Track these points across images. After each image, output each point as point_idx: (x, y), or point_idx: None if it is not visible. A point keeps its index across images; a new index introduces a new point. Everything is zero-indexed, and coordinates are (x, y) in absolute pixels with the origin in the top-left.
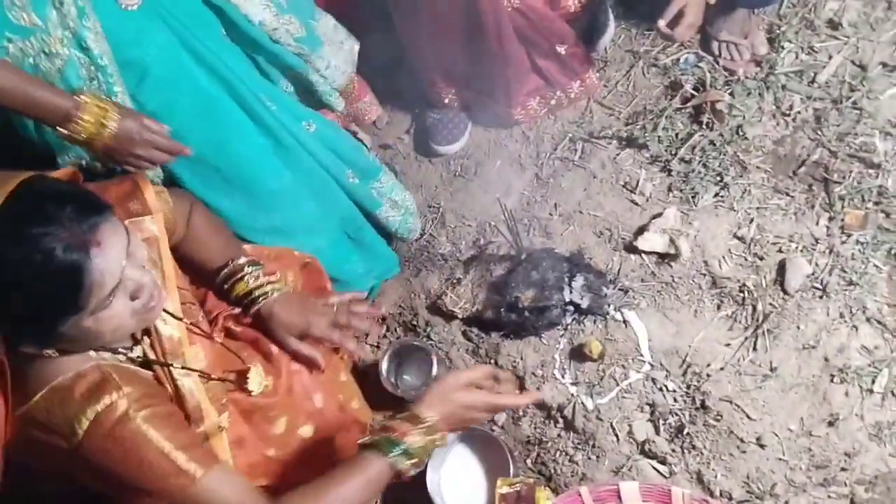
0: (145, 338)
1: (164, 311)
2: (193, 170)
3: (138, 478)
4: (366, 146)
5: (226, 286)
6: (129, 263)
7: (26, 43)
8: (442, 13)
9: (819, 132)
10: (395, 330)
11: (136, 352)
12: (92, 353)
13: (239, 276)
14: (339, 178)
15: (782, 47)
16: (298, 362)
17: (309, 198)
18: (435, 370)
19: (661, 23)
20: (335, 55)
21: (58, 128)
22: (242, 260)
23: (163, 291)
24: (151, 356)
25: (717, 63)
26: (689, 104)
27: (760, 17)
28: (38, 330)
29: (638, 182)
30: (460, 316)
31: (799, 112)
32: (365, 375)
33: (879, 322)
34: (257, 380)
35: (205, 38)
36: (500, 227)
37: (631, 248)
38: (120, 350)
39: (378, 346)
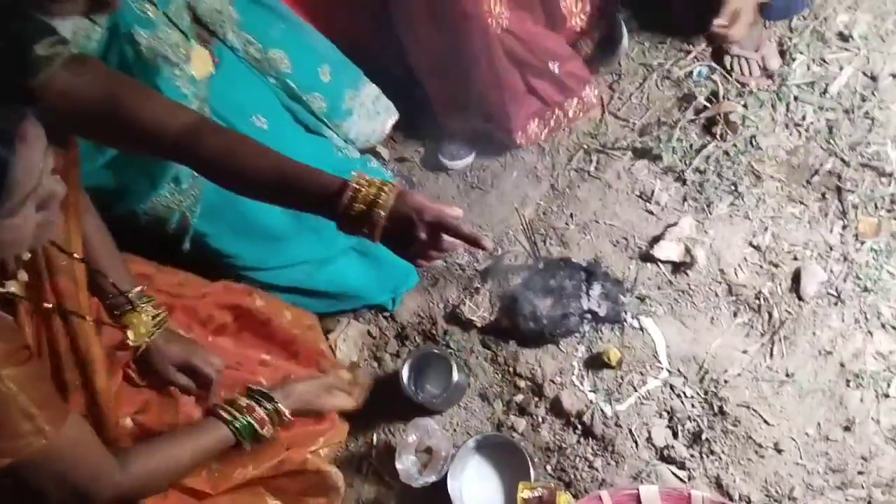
0: (21, 272)
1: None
2: (212, 217)
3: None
4: (383, 159)
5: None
6: (45, 167)
7: (155, 36)
8: (436, 39)
9: (831, 142)
10: (415, 339)
11: (10, 287)
12: None
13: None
14: None
15: (794, 59)
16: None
17: (311, 231)
18: (455, 378)
19: (718, 21)
20: (362, 125)
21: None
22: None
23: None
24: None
25: (730, 76)
26: (702, 115)
27: (771, 30)
28: None
29: (653, 192)
30: (479, 325)
31: (811, 122)
32: (386, 384)
33: (894, 328)
34: (141, 330)
35: None
36: (517, 237)
37: (647, 257)
38: None
39: (398, 356)
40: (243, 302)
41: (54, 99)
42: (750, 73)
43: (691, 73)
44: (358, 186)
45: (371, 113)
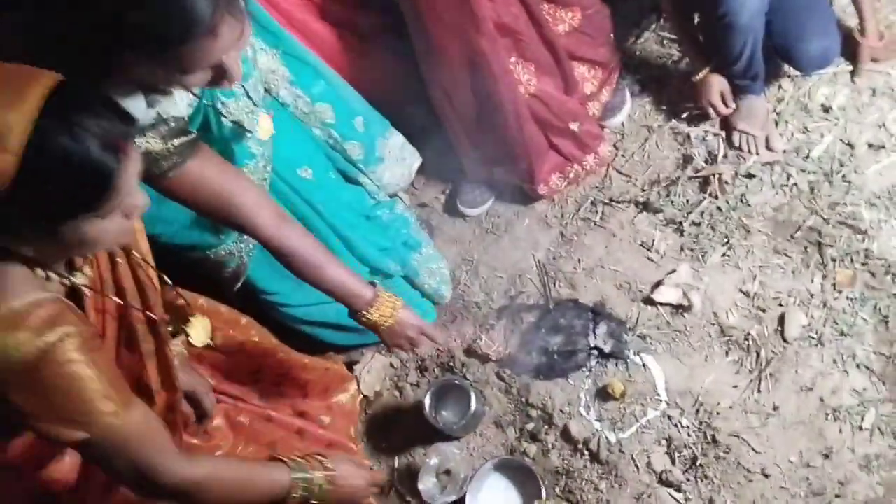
0: (86, 268)
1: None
2: (261, 261)
3: (69, 409)
4: (406, 204)
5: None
6: (136, 181)
7: (236, 105)
8: (470, 102)
9: (813, 201)
10: (434, 370)
11: (78, 278)
12: (40, 271)
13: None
14: (378, 262)
15: (780, 126)
16: None
17: None
18: (473, 406)
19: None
20: (393, 170)
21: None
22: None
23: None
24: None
25: (738, 150)
26: (699, 174)
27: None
28: (40, 225)
29: (653, 241)
30: (494, 358)
31: (795, 183)
32: (407, 412)
33: (867, 367)
34: (202, 332)
35: None
36: (530, 279)
37: (648, 300)
38: (61, 273)
39: (418, 386)
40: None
41: (181, 190)
42: (757, 149)
43: (689, 135)
44: (375, 308)
45: (399, 158)
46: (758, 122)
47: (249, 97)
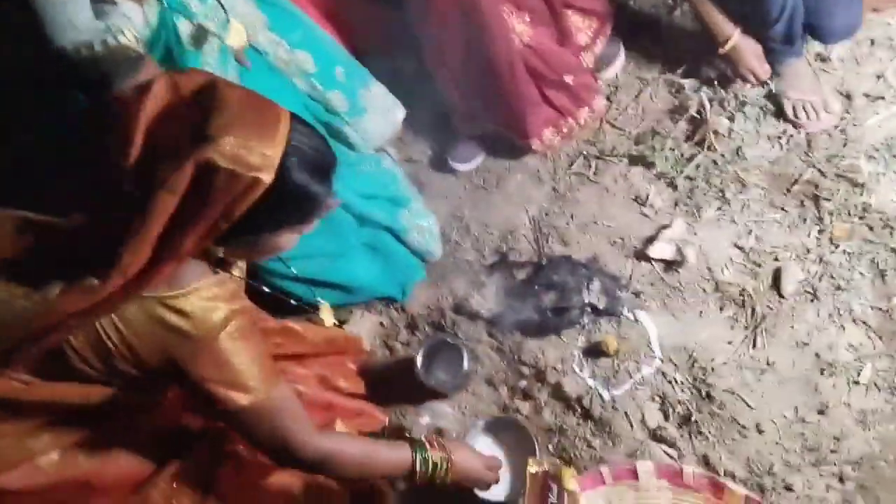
0: (240, 262)
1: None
2: None
3: (244, 373)
4: (393, 159)
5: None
6: None
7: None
8: (459, 51)
9: (810, 154)
10: (425, 329)
11: (235, 271)
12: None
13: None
14: (363, 209)
15: (776, 75)
16: None
17: (325, 226)
18: (466, 365)
19: None
20: (377, 121)
21: None
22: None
23: None
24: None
25: (794, 122)
26: (692, 127)
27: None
28: (256, 234)
29: (647, 196)
30: (485, 316)
31: (791, 136)
32: (401, 371)
33: (864, 322)
34: (328, 315)
35: None
36: (522, 235)
37: (642, 256)
38: (230, 270)
39: (408, 345)
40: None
41: None
42: (816, 116)
43: (683, 87)
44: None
45: (382, 109)
46: (809, 85)
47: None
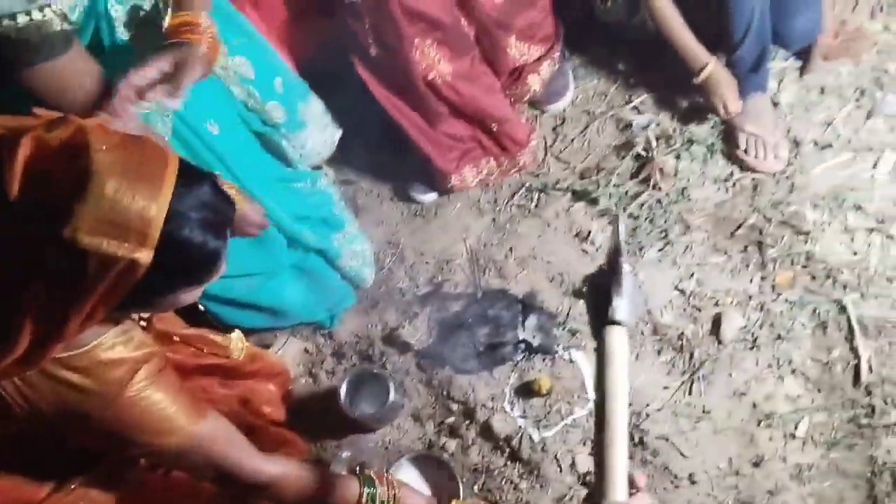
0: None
1: None
2: None
3: (163, 418)
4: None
5: None
6: None
7: None
8: (387, 81)
9: (755, 199)
10: (352, 358)
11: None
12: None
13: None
14: (293, 230)
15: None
16: None
17: (254, 242)
18: (392, 398)
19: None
20: (315, 137)
21: None
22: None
23: None
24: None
25: (735, 150)
26: (638, 164)
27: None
28: (148, 296)
29: (589, 233)
30: (416, 348)
31: (738, 179)
32: (321, 400)
33: (803, 374)
34: (238, 345)
35: None
36: (458, 266)
37: (580, 294)
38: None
39: (333, 373)
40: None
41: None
42: (765, 155)
43: (631, 123)
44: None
45: (321, 126)
46: (767, 123)
47: None
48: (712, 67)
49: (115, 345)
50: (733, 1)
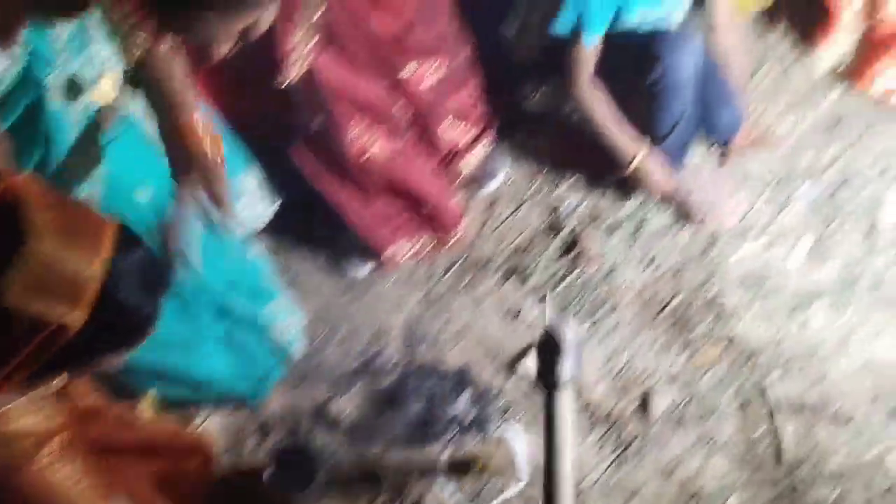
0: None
1: None
2: None
3: (64, 500)
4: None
5: None
6: None
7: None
8: (322, 157)
9: (679, 281)
10: (278, 434)
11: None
12: None
13: None
14: (223, 298)
15: (650, 207)
16: None
17: (177, 303)
18: (319, 476)
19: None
20: (252, 207)
21: None
22: None
23: None
24: None
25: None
26: (567, 244)
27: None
28: (72, 364)
29: (520, 310)
30: (345, 424)
31: (663, 261)
32: (249, 479)
33: (729, 452)
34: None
35: None
36: (391, 340)
37: (512, 370)
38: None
39: (258, 450)
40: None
41: None
42: (717, 214)
43: (560, 205)
44: None
45: (258, 196)
46: (709, 183)
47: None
48: (641, 157)
49: (23, 414)
50: (664, 99)
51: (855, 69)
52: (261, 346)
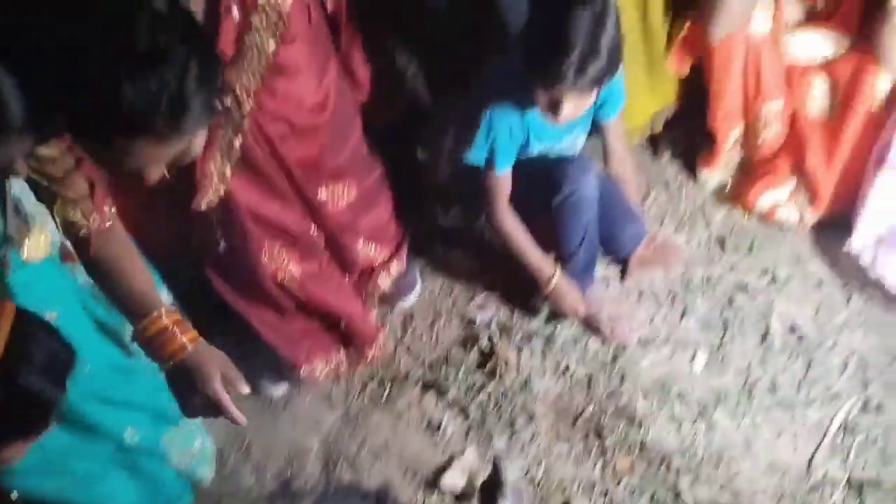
0: None
1: None
2: None
3: None
4: None
5: None
6: None
7: None
8: (235, 277)
9: (591, 391)
10: None
11: None
12: None
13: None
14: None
15: (561, 318)
16: None
17: (77, 425)
18: None
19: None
20: None
21: None
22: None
23: None
24: None
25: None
26: (484, 357)
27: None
28: None
29: (440, 424)
30: None
31: (574, 371)
32: None
33: None
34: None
35: None
36: (309, 461)
37: (433, 486)
38: None
39: None
40: None
41: None
42: (626, 329)
43: (475, 318)
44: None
45: None
46: (613, 303)
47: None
48: (557, 278)
49: None
50: (568, 220)
51: (738, 191)
52: (168, 471)
